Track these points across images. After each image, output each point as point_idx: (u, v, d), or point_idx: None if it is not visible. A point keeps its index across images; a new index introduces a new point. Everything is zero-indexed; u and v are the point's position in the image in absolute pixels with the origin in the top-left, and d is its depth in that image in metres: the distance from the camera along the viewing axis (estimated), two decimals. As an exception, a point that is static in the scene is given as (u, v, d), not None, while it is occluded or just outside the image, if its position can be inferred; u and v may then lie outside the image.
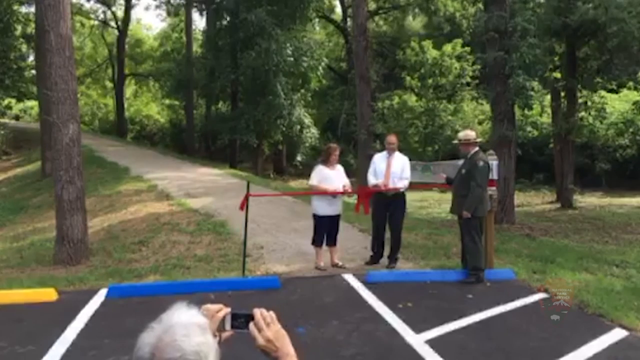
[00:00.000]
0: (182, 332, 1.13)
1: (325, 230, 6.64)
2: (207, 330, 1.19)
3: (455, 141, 6.58)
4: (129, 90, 37.76)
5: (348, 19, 27.58)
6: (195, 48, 28.25)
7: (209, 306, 1.33)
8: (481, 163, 6.07)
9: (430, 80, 20.58)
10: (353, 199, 9.38)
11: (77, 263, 7.25)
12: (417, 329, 4.65)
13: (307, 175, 7.56)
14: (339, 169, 6.76)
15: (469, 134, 6.40)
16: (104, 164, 16.53)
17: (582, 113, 14.98)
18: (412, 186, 7.09)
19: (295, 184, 22.03)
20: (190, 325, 1.16)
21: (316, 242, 6.69)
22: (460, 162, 6.57)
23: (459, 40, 20.20)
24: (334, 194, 6.54)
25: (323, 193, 6.54)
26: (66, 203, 7.32)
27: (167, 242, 7.93)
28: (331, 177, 6.60)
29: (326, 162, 6.68)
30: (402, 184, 6.65)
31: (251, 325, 1.33)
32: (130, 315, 4.98)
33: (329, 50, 31.57)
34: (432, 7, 27.32)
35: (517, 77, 10.55)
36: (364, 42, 14.89)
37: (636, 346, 4.37)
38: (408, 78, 21.24)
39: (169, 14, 33.66)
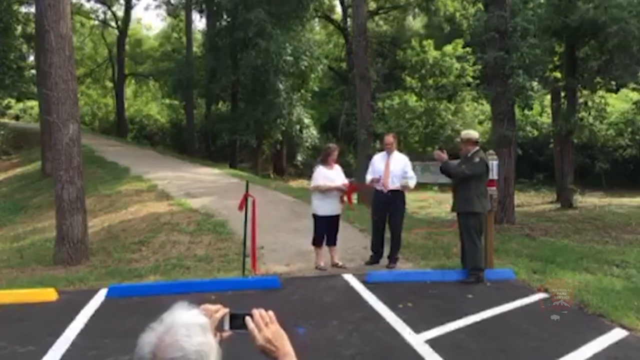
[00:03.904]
0: (183, 332, 1.13)
1: (325, 230, 6.65)
2: (209, 330, 1.19)
3: (457, 139, 6.63)
4: (129, 90, 37.71)
5: (348, 19, 27.54)
6: (195, 48, 28.24)
7: (208, 306, 1.33)
8: (477, 159, 6.09)
9: (430, 81, 20.56)
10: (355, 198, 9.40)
11: (77, 263, 7.25)
12: (417, 329, 4.65)
13: (307, 176, 7.58)
14: (337, 168, 6.80)
15: (471, 133, 6.46)
16: (104, 164, 16.52)
17: (582, 113, 14.99)
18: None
19: (296, 183, 22.00)
20: (191, 325, 1.16)
21: (316, 242, 6.70)
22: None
23: (460, 41, 20.20)
24: (339, 189, 6.59)
25: (327, 190, 6.55)
26: (66, 203, 7.32)
27: (167, 242, 7.93)
28: (332, 176, 6.64)
29: (325, 162, 6.72)
30: (411, 183, 6.70)
31: (250, 325, 1.33)
32: (130, 315, 4.98)
33: (329, 50, 31.55)
34: (432, 7, 27.32)
35: (517, 77, 10.55)
36: (364, 42, 14.88)
37: (636, 346, 4.37)
38: (408, 78, 21.23)
39: (169, 14, 33.64)
